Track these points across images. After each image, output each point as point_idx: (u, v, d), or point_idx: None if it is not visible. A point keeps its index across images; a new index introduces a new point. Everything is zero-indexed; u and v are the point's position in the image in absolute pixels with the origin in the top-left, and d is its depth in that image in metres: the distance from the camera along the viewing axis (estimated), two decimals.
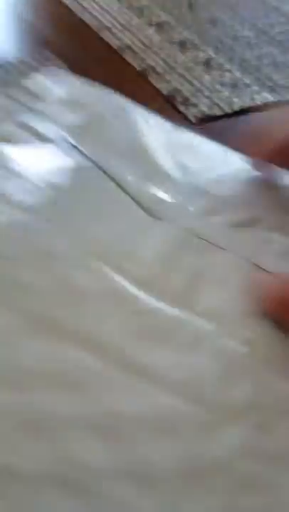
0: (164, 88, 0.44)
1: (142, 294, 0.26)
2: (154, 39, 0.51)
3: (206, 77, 0.47)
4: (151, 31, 0.53)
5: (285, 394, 0.24)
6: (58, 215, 0.29)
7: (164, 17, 0.56)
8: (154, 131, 0.37)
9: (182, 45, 0.51)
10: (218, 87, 0.46)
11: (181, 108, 0.42)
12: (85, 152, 0.33)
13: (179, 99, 0.44)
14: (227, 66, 0.49)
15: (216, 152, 0.37)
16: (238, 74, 0.48)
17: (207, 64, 0.49)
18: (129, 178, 0.32)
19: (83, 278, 0.26)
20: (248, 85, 0.47)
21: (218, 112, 0.43)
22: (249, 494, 0.21)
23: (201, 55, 0.50)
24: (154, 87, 0.44)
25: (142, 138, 0.36)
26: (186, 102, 0.43)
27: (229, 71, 0.48)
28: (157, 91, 0.44)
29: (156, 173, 0.33)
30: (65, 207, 0.30)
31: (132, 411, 0.22)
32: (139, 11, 0.57)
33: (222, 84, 0.46)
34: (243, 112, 0.43)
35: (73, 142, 0.34)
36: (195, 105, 0.43)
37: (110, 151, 0.34)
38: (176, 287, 0.27)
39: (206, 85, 0.46)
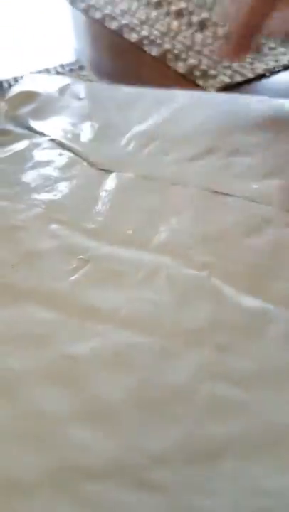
0: (181, 67, 0.46)
1: (92, 243, 0.27)
2: (172, 25, 0.51)
3: None
4: (168, 19, 0.52)
5: (248, 311, 0.24)
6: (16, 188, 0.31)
7: (183, 4, 0.55)
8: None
9: (201, 25, 0.51)
10: None
11: (200, 82, 0.43)
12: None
13: (197, 73, 0.45)
14: None
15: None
16: (261, 39, 0.47)
17: (228, 37, 0.47)
18: (83, 141, 0.35)
19: (41, 242, 0.28)
20: (272, 48, 0.46)
21: (240, 80, 0.42)
22: (217, 419, 0.20)
23: (220, 30, 0.50)
24: (171, 68, 0.46)
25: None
26: (204, 75, 0.44)
27: None
28: (174, 71, 0.46)
29: (109, 131, 0.36)
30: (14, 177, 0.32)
31: (84, 353, 0.22)
32: (157, 4, 0.57)
33: None
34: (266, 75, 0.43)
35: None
36: (214, 76, 0.44)
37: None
38: (128, 230, 0.28)
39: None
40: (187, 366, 0.22)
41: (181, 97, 0.38)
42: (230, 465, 0.19)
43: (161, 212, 0.29)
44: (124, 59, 0.48)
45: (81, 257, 0.27)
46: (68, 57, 0.48)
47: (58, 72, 0.45)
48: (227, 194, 0.30)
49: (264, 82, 0.43)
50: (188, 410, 0.20)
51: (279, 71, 0.44)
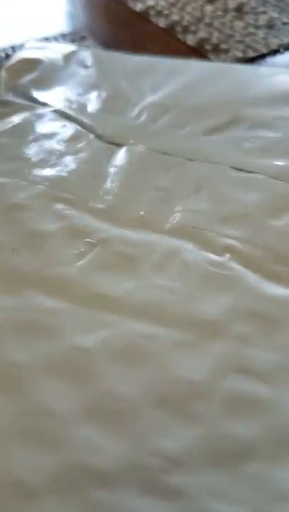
0: (190, 40, 0.43)
1: (100, 224, 0.25)
2: None
3: (238, 23, 0.44)
4: None
5: (271, 299, 0.22)
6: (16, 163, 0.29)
7: None
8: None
9: None
10: (252, 30, 0.43)
11: (211, 56, 0.41)
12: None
13: (207, 47, 0.42)
14: (261, 8, 0.46)
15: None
16: (274, 14, 0.45)
17: (239, 10, 0.46)
18: (90, 111, 0.32)
19: (45, 223, 0.25)
20: (287, 23, 0.44)
21: (253, 55, 0.40)
22: (240, 418, 0.19)
23: (231, 3, 0.47)
24: (180, 41, 0.43)
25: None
26: (215, 49, 0.41)
27: (264, 13, 0.45)
28: (184, 44, 0.42)
29: (118, 102, 0.33)
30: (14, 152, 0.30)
31: (94, 345, 0.21)
32: None
33: (257, 27, 0.44)
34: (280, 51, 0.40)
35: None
36: (226, 51, 0.41)
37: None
38: (140, 211, 0.26)
39: (238, 31, 0.43)
40: (206, 359, 0.20)
41: (197, 66, 0.36)
42: (253, 468, 0.18)
43: (177, 190, 0.27)
44: (129, 30, 0.45)
45: (89, 240, 0.24)
46: (69, 26, 0.45)
47: (57, 43, 0.42)
48: (249, 171, 0.28)
49: (278, 57, 0.40)
50: (207, 408, 0.19)
51: None
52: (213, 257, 0.23)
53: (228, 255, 0.24)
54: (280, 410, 0.19)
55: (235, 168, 0.28)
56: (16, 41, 0.40)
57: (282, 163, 0.28)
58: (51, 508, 0.17)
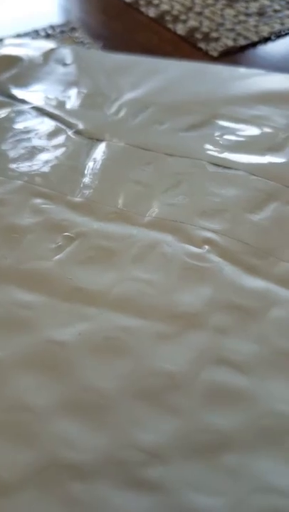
0: (180, 29, 0.43)
1: (79, 218, 0.25)
2: None
3: (229, 11, 0.45)
4: None
5: (250, 291, 0.22)
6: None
7: None
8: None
9: None
10: (242, 18, 0.44)
11: (201, 44, 0.41)
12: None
13: (198, 36, 0.42)
14: None
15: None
16: (265, 1, 0.45)
17: None
18: (68, 108, 0.32)
19: (22, 217, 0.25)
20: (278, 11, 0.44)
21: (244, 43, 0.40)
22: (219, 409, 0.19)
23: None
24: (170, 30, 0.43)
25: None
26: (206, 38, 0.42)
27: (255, 0, 0.46)
28: (173, 33, 0.43)
29: (98, 98, 0.33)
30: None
31: (72, 339, 0.20)
32: None
33: (247, 15, 0.44)
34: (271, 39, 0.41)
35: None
36: (216, 39, 0.41)
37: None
38: (119, 205, 0.26)
39: (228, 19, 0.44)
40: (185, 351, 0.20)
41: (176, 66, 0.36)
42: (233, 460, 0.17)
43: (156, 185, 0.27)
44: (119, 20, 0.45)
45: (67, 233, 0.24)
46: (58, 18, 0.45)
47: (47, 34, 0.42)
48: (228, 167, 0.28)
49: (269, 45, 0.40)
50: (186, 400, 0.19)
51: (285, 34, 0.41)
52: (192, 249, 0.23)
53: (207, 247, 0.24)
54: (258, 401, 0.19)
55: (213, 163, 0.28)
56: (2, 34, 0.40)
57: (260, 160, 0.28)
58: (28, 504, 0.16)
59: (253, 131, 0.30)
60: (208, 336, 0.21)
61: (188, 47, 0.40)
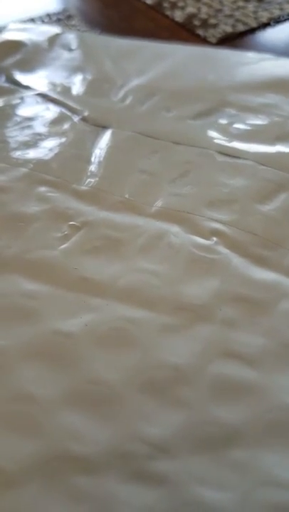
0: (178, 16, 0.42)
1: (85, 207, 0.24)
2: None
3: None
4: None
5: (258, 283, 0.22)
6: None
7: None
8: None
9: None
10: (241, 3, 0.43)
11: (200, 31, 0.40)
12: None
13: (196, 23, 0.41)
14: None
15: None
16: None
17: None
18: (74, 94, 0.31)
19: (28, 205, 0.25)
20: None
21: (243, 29, 0.39)
22: (226, 403, 0.18)
23: None
24: (168, 17, 0.42)
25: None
26: (204, 24, 0.41)
27: None
28: (171, 20, 0.42)
29: (104, 84, 0.32)
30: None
31: (78, 330, 0.20)
32: None
33: (246, 1, 0.43)
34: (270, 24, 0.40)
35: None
36: (215, 26, 0.40)
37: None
38: (125, 194, 0.25)
39: (227, 5, 0.43)
40: (192, 344, 0.20)
41: (183, 50, 0.35)
42: (240, 454, 0.17)
43: (163, 174, 0.26)
44: (116, 8, 0.44)
45: (73, 223, 0.24)
46: (55, 5, 0.44)
47: (43, 22, 0.41)
48: (236, 156, 0.27)
49: (268, 31, 0.40)
50: (193, 393, 0.18)
51: (284, 20, 0.40)
52: (199, 240, 0.23)
53: (215, 239, 0.23)
54: (266, 395, 0.18)
55: (221, 153, 0.27)
56: (0, 22, 0.40)
57: (268, 150, 0.28)
58: (32, 496, 0.16)
59: (261, 119, 0.30)
60: (215, 329, 0.20)
61: (186, 34, 0.39)
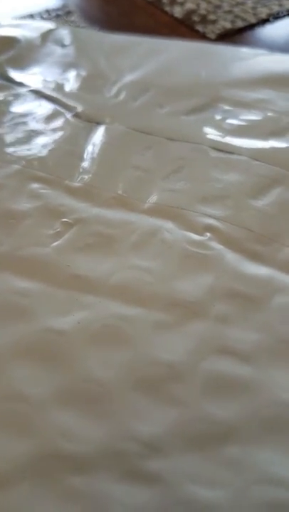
0: (177, 12, 0.42)
1: (77, 204, 0.24)
2: None
3: None
4: None
5: (252, 279, 0.21)
6: None
7: None
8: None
9: None
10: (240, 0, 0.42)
11: (199, 27, 0.40)
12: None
13: (195, 18, 0.41)
14: None
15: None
16: None
17: None
18: (67, 90, 0.31)
19: (20, 202, 0.24)
20: None
21: (242, 25, 0.39)
22: (220, 400, 0.18)
23: None
24: (167, 13, 0.42)
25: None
26: (203, 20, 0.40)
27: None
28: (171, 16, 0.41)
29: (97, 80, 0.32)
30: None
31: (70, 327, 0.20)
32: None
33: None
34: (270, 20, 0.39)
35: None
36: (214, 22, 0.40)
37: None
38: (118, 190, 0.25)
39: (226, 1, 0.43)
40: (185, 340, 0.19)
41: (177, 46, 0.34)
42: (235, 451, 0.17)
43: (156, 170, 0.26)
44: (115, 4, 0.43)
45: (65, 219, 0.23)
46: (54, 1, 0.43)
47: (42, 18, 0.40)
48: (230, 152, 0.27)
49: (267, 28, 0.39)
50: (186, 390, 0.18)
51: (283, 16, 0.40)
52: (193, 236, 0.23)
53: (208, 235, 0.23)
54: (261, 391, 0.18)
55: (215, 148, 0.27)
56: None
57: (263, 145, 0.27)
58: (24, 496, 0.16)
59: (255, 115, 0.29)
60: (209, 325, 0.20)
61: (185, 30, 0.39)
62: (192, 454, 0.17)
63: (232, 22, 0.39)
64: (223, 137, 0.28)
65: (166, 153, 0.27)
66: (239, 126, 0.29)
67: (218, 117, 0.29)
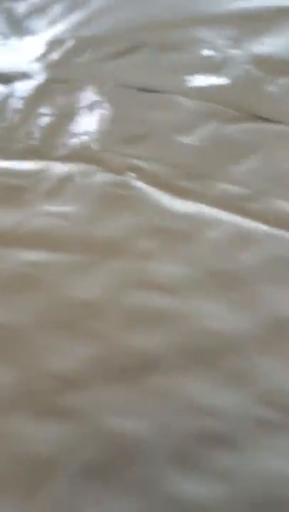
0: None
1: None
2: None
3: None
4: None
5: (181, 215, 0.21)
6: None
7: None
8: None
9: None
10: None
11: None
12: None
13: None
14: None
15: None
16: None
17: None
18: None
19: None
20: None
21: None
22: (142, 331, 0.17)
23: None
24: None
25: None
26: None
27: None
28: None
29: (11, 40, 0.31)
30: None
31: None
32: None
33: None
34: None
35: None
36: None
37: None
38: (30, 140, 0.24)
39: None
40: (103, 279, 0.18)
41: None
42: (160, 381, 0.16)
43: (71, 114, 0.25)
44: None
45: None
46: None
47: None
48: (155, 91, 0.26)
49: None
50: (106, 325, 0.17)
51: None
52: (114, 177, 0.22)
53: (132, 175, 0.22)
54: (186, 322, 0.17)
55: (139, 88, 0.26)
56: None
57: (193, 82, 0.26)
58: None
59: (185, 53, 0.28)
60: (130, 262, 0.19)
61: None
62: (113, 386, 0.16)
63: None
64: (151, 77, 0.26)
65: (84, 97, 0.25)
66: (167, 65, 0.27)
67: (145, 59, 0.28)
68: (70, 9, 0.32)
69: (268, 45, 0.27)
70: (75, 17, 0.31)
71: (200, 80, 0.26)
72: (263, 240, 0.19)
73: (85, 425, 0.15)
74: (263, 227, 0.19)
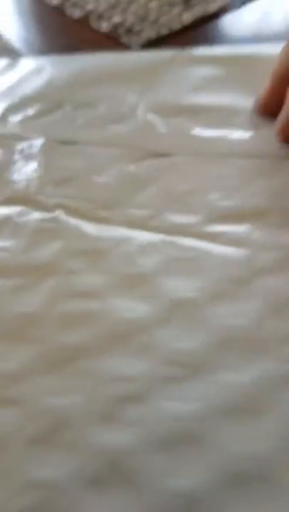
0: (104, 27, 0.43)
1: None
2: None
3: (153, 3, 0.45)
4: None
5: (100, 238, 0.26)
6: None
7: None
8: None
9: None
10: (166, 8, 0.44)
11: (124, 39, 0.42)
12: None
13: (120, 31, 0.43)
14: None
15: None
16: None
17: None
18: None
19: None
20: None
21: (166, 33, 0.41)
22: (71, 330, 0.22)
23: None
24: (94, 30, 0.44)
25: None
26: (129, 32, 0.42)
27: None
28: (98, 32, 0.43)
29: None
30: None
31: None
32: None
33: (171, 5, 0.44)
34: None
35: None
36: (138, 32, 0.42)
37: None
38: None
39: (152, 11, 0.44)
40: (40, 295, 0.24)
41: (25, 63, 0.39)
42: (86, 364, 0.21)
43: (6, 166, 0.30)
44: (43, 23, 0.45)
45: None
46: None
47: None
48: (74, 143, 0.32)
49: (189, 33, 0.41)
50: (43, 331, 0.22)
51: (209, 17, 0.42)
52: (46, 214, 0.27)
53: (61, 211, 0.27)
54: (107, 316, 0.23)
55: (61, 141, 0.32)
56: None
57: (104, 133, 0.32)
58: None
59: (98, 109, 0.34)
60: (61, 279, 0.24)
61: (110, 43, 0.41)
62: (49, 375, 0.21)
63: (157, 31, 0.41)
64: (69, 131, 0.33)
65: (16, 151, 0.31)
66: (83, 120, 0.33)
67: (64, 116, 0.34)
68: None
69: (163, 92, 0.34)
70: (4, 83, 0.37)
71: (109, 131, 0.32)
72: (160, 247, 0.25)
73: (27, 408, 0.20)
74: (160, 237, 0.25)
